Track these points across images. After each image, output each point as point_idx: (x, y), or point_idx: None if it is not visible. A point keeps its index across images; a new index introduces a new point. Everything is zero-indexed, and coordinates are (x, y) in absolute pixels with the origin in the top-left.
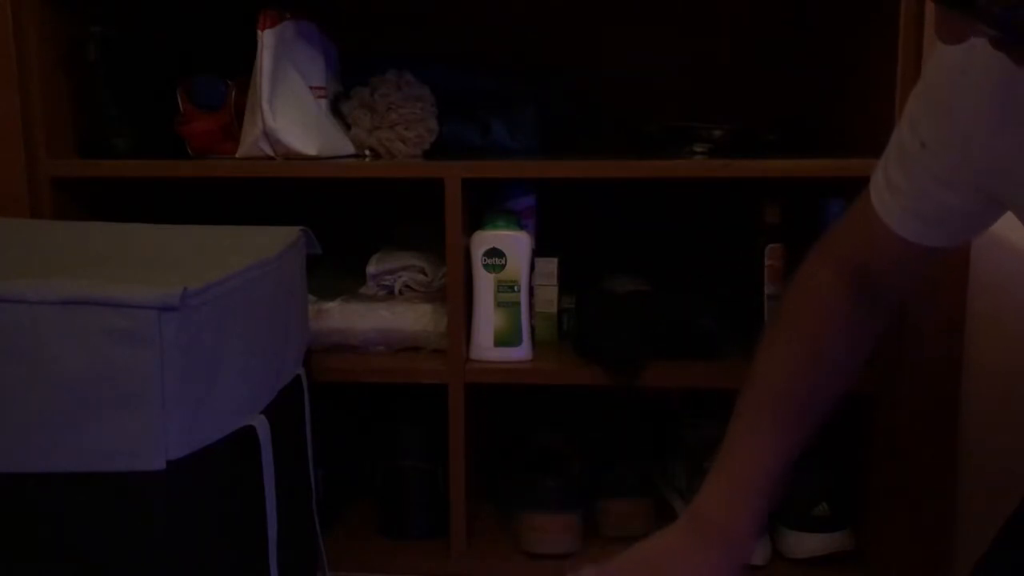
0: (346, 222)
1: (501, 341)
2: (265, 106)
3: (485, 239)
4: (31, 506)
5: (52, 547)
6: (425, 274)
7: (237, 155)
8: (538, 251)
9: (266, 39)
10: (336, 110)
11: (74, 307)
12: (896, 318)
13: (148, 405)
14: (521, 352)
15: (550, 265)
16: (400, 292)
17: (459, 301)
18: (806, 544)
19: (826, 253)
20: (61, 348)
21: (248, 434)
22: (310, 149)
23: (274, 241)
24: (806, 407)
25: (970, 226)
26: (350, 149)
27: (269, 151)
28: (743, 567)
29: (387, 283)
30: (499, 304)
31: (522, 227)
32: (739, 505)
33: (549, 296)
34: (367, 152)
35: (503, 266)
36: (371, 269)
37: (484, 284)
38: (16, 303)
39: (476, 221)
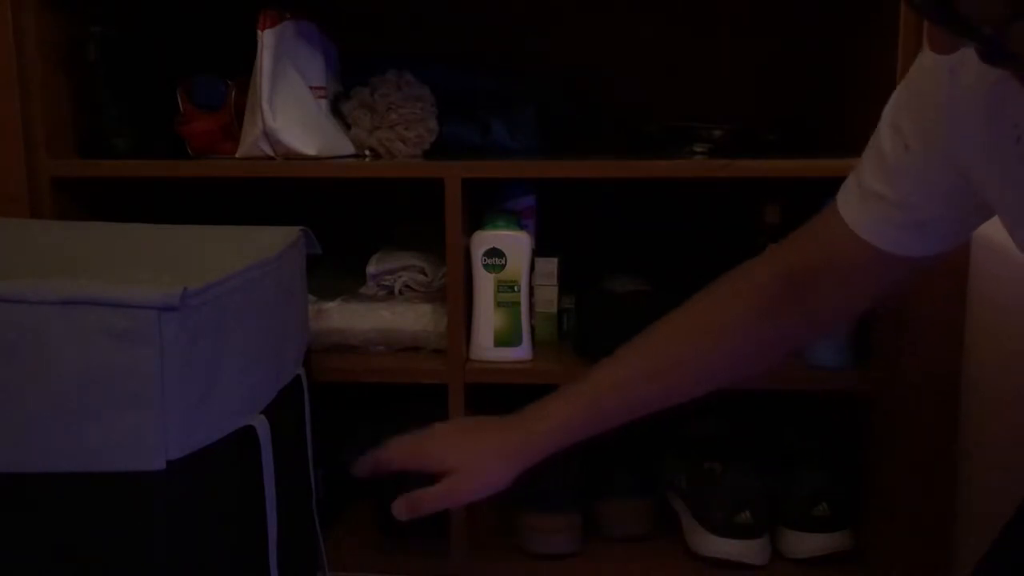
0: (346, 222)
1: (501, 341)
2: (265, 106)
3: (485, 239)
4: (31, 506)
5: (52, 547)
6: (425, 274)
7: (237, 155)
8: (538, 251)
9: (266, 39)
10: (336, 110)
11: (74, 307)
12: (825, 335)
13: (148, 405)
14: (521, 352)
15: (550, 265)
16: (400, 292)
17: (459, 301)
18: (806, 544)
19: (772, 256)
20: (61, 348)
21: (248, 434)
22: (310, 149)
23: (274, 241)
24: (676, 377)
25: (952, 232)
26: (350, 149)
27: (269, 151)
28: (531, 454)
29: (387, 283)
30: (499, 304)
31: (522, 227)
32: (554, 410)
33: (549, 296)
34: (367, 152)
35: (503, 266)
36: (371, 269)
37: (484, 284)
38: (16, 303)
39: (476, 221)
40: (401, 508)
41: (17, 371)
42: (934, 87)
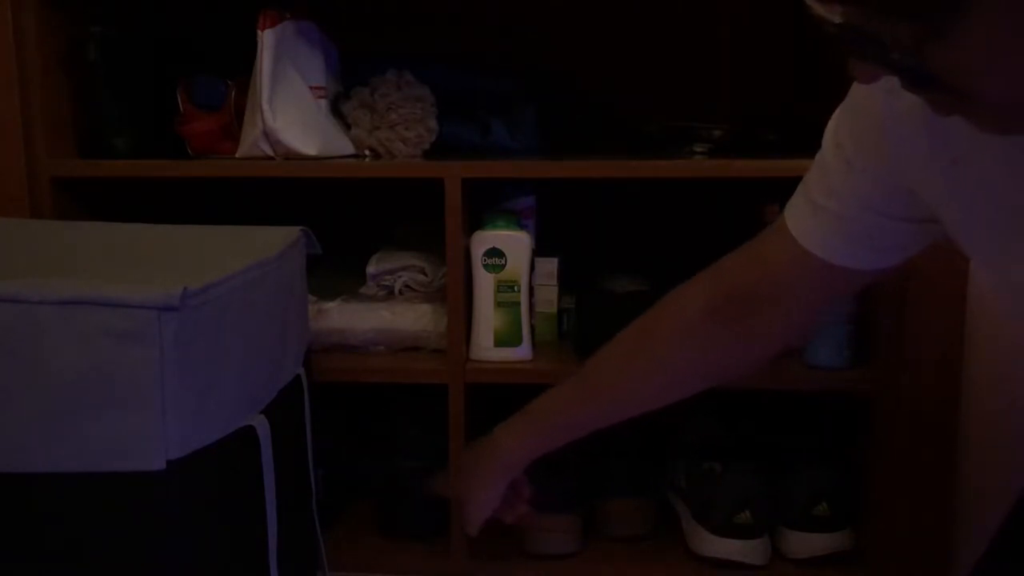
0: (346, 222)
1: (501, 341)
2: (265, 106)
3: (485, 239)
4: (31, 506)
5: (52, 547)
6: (425, 274)
7: (237, 155)
8: (538, 251)
9: (266, 39)
10: (336, 110)
11: (74, 307)
12: (762, 359)
13: (148, 405)
14: (521, 352)
15: (550, 265)
16: (400, 292)
17: (459, 301)
18: (806, 544)
19: (707, 278)
20: (61, 348)
21: (248, 434)
22: (310, 149)
23: (274, 241)
24: (610, 403)
25: (901, 245)
26: (350, 149)
27: (269, 151)
28: (508, 472)
29: (387, 283)
30: (499, 304)
31: (522, 227)
32: (519, 429)
33: (549, 296)
34: (367, 152)
35: (503, 266)
36: (371, 269)
37: (484, 284)
38: (16, 303)
39: (476, 221)
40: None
41: (17, 371)
42: (873, 109)
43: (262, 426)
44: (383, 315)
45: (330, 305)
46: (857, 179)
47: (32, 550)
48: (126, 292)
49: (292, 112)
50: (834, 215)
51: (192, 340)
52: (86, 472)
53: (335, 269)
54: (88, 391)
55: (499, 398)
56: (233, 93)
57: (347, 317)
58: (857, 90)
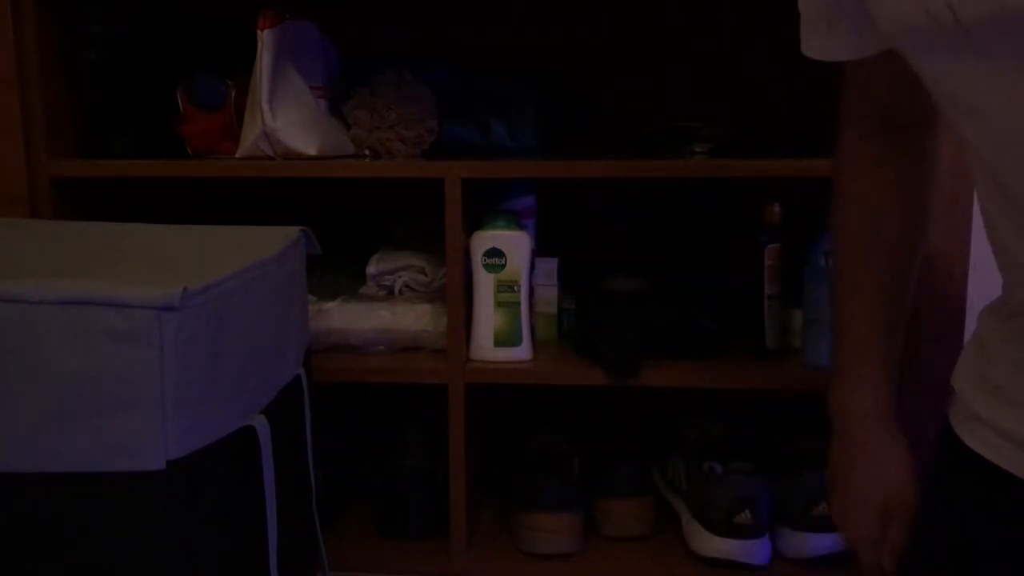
0: (346, 222)
1: (501, 341)
2: (265, 106)
3: (485, 239)
4: (30, 506)
5: (52, 547)
6: (425, 274)
7: (237, 155)
8: (538, 251)
9: (266, 39)
10: (336, 110)
11: (74, 307)
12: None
13: (148, 405)
14: (521, 352)
15: (550, 265)
16: (400, 292)
17: (459, 301)
18: (806, 544)
19: (842, 120)
20: (61, 348)
21: (248, 434)
22: (310, 149)
23: (274, 241)
24: (888, 256)
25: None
26: (350, 149)
27: (269, 151)
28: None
29: (387, 283)
30: (499, 304)
31: (522, 227)
32: (874, 381)
33: (549, 296)
34: (367, 152)
35: (503, 266)
36: (371, 269)
37: (484, 284)
38: (16, 303)
39: (476, 221)
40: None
41: (16, 371)
42: None
43: (262, 426)
44: (383, 315)
45: (330, 305)
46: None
47: (31, 550)
48: (126, 292)
49: (292, 112)
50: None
51: (192, 340)
52: (86, 472)
53: (335, 269)
54: (88, 391)
55: (499, 398)
56: (233, 93)
57: (347, 317)
58: None
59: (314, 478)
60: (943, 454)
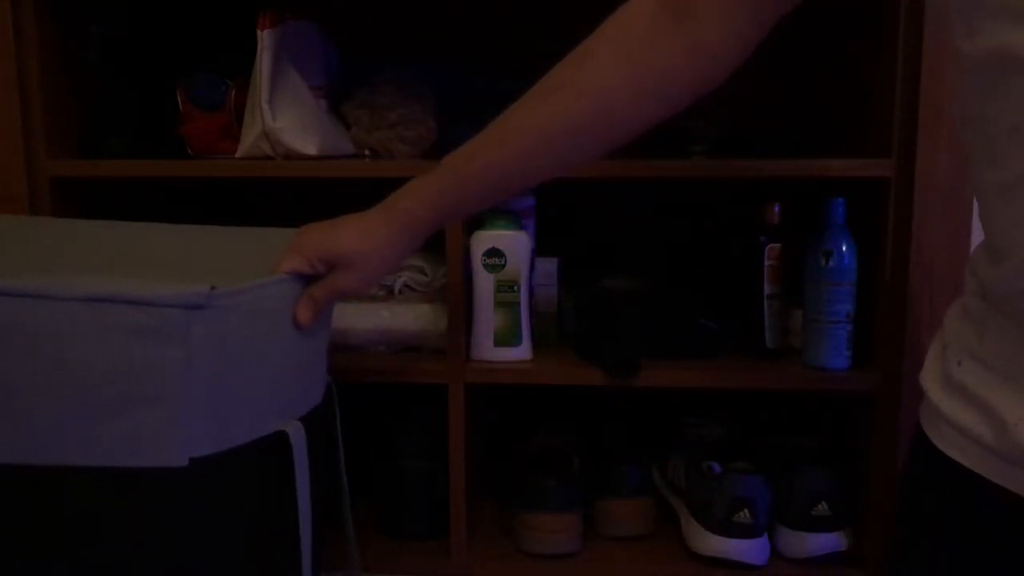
0: None
1: (501, 341)
2: (265, 106)
3: (485, 239)
4: (54, 499)
5: (73, 539)
6: (425, 274)
7: (237, 155)
8: (538, 251)
9: (266, 39)
10: (336, 110)
11: (101, 304)
12: (721, 73)
13: (171, 402)
14: (521, 352)
15: (550, 265)
16: (400, 292)
17: (459, 301)
18: (806, 544)
19: None
20: (87, 344)
21: (281, 439)
22: (310, 149)
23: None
24: (542, 145)
25: None
26: (350, 149)
27: (269, 151)
28: (414, 230)
29: (387, 283)
30: (499, 304)
31: (522, 227)
32: (421, 184)
33: (549, 296)
34: (367, 152)
35: (503, 266)
36: None
37: (484, 284)
38: (44, 299)
39: (476, 221)
40: (303, 314)
41: (44, 366)
42: None
43: (296, 432)
44: (383, 315)
45: None
46: None
47: (54, 543)
48: (154, 291)
49: (292, 112)
50: None
51: (219, 340)
52: (110, 467)
53: None
54: (113, 387)
55: (499, 398)
56: (233, 93)
57: (347, 317)
58: None
59: (346, 484)
60: (915, 455)
